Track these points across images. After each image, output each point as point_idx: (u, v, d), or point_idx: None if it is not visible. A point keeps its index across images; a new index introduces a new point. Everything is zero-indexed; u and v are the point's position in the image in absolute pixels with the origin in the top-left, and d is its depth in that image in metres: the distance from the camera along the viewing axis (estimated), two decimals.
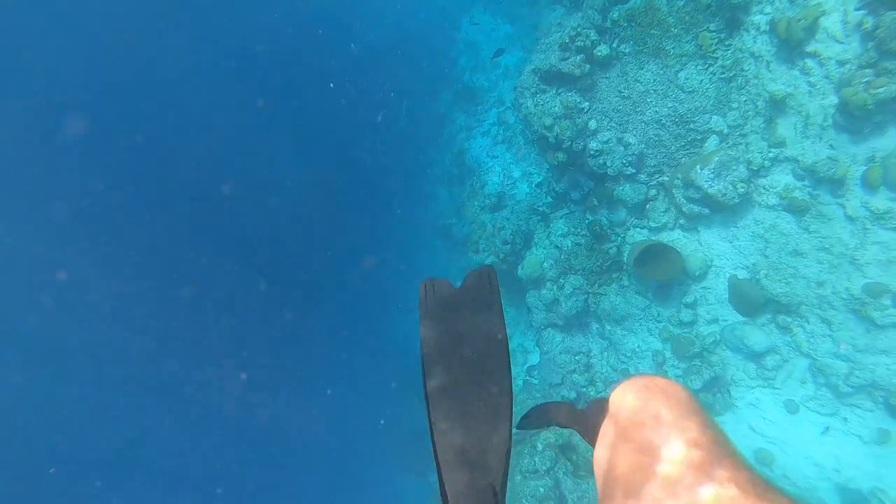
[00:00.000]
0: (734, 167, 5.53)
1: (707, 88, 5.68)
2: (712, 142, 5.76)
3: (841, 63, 4.85)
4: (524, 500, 5.89)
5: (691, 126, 5.78)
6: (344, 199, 11.72)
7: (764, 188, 5.56)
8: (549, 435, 6.35)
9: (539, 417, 1.22)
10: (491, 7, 10.28)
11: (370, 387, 10.15)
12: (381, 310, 11.45)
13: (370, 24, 11.66)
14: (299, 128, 11.57)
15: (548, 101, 6.36)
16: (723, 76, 5.64)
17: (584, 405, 1.16)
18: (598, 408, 1.08)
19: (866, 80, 4.53)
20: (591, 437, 1.01)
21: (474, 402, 0.95)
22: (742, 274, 5.79)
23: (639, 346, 6.32)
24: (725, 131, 5.71)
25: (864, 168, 4.88)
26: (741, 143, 5.61)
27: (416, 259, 10.87)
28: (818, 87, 5.16)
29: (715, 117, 5.72)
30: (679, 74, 5.75)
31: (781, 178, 5.49)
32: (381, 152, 11.15)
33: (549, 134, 6.32)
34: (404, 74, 10.97)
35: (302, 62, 11.39)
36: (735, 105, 5.63)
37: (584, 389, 6.55)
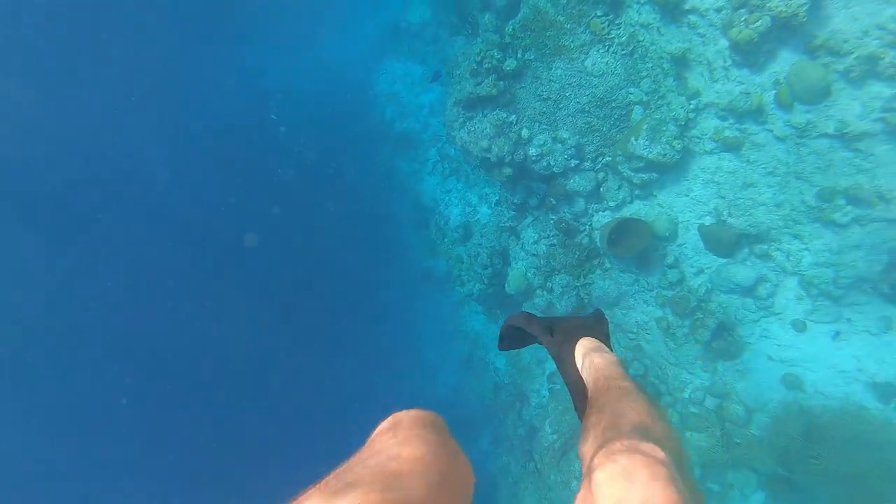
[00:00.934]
0: (664, 128, 5.85)
1: (614, 67, 6.05)
2: (637, 112, 6.10)
3: (718, 10, 5.27)
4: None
5: (613, 105, 6.12)
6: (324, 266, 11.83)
7: (697, 137, 5.89)
8: None
9: (515, 339, 1.54)
10: (398, 55, 10.75)
11: None
12: (388, 367, 11.46)
13: (291, 104, 12.01)
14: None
15: (477, 126, 6.67)
16: (624, 52, 6.03)
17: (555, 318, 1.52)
18: (566, 340, 1.39)
19: (743, 18, 4.92)
20: (560, 363, 1.35)
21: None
22: (708, 220, 6.05)
23: (641, 319, 6.48)
24: (645, 99, 6.05)
25: (773, 92, 5.24)
26: (663, 105, 5.96)
27: (412, 307, 10.96)
28: (707, 35, 5.57)
29: (632, 89, 6.08)
30: (585, 63, 6.12)
31: (709, 124, 5.83)
32: (344, 222, 11.36)
33: (489, 155, 6.60)
34: (338, 144, 11.30)
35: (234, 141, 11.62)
36: (644, 73, 6.00)
37: None
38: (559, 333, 1.41)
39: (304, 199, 11.52)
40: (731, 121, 5.70)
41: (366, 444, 0.82)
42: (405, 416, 0.89)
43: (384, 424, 0.88)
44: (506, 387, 8.31)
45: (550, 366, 7.66)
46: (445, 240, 8.47)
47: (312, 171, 11.32)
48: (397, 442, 0.78)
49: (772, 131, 5.40)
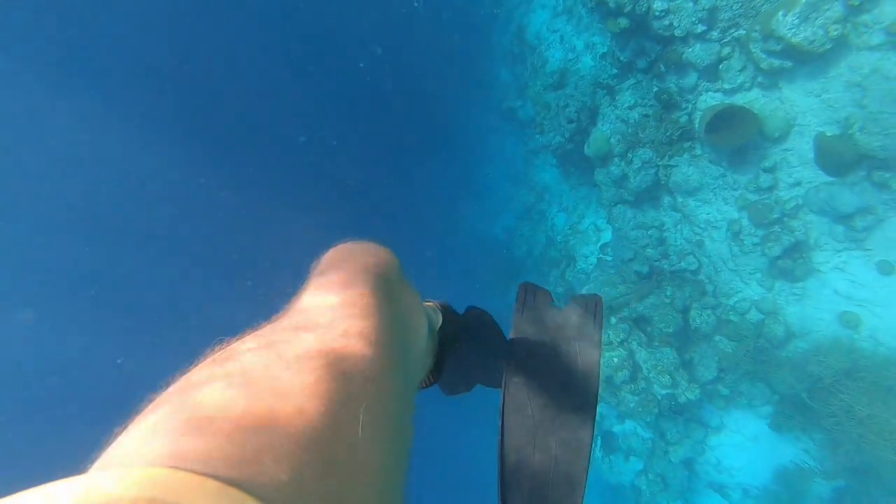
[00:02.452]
0: (827, 6, 4.83)
1: None
2: None
3: None
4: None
5: None
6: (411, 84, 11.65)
7: (865, 26, 4.84)
8: (623, 309, 6.59)
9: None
10: None
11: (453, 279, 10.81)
12: (455, 199, 11.78)
13: None
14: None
15: None
16: None
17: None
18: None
19: None
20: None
21: (550, 426, 0.89)
22: (831, 130, 5.27)
23: (713, 216, 6.14)
24: None
25: None
26: None
27: (487, 141, 10.83)
28: None
29: None
30: None
31: (893, 10, 4.73)
32: (440, 40, 10.77)
33: None
34: None
35: None
36: None
37: (658, 263, 6.58)
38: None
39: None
40: None
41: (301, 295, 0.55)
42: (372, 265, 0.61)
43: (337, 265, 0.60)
44: (558, 244, 8.44)
45: (606, 236, 7.63)
46: (538, 83, 7.93)
47: None
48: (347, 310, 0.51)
49: None
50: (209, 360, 0.42)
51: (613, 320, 6.39)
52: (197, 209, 10.90)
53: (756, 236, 5.81)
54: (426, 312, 0.88)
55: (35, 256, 9.83)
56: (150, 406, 0.37)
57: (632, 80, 6.52)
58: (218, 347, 0.43)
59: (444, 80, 11.24)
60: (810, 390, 5.57)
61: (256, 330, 0.47)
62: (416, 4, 9.77)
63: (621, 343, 6.43)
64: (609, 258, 7.34)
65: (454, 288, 11.43)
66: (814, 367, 5.56)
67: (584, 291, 6.87)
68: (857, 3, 4.75)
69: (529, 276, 9.21)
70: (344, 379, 0.40)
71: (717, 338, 6.15)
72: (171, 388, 0.38)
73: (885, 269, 5.43)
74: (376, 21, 10.95)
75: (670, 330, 6.19)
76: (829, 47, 4.90)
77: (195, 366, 0.41)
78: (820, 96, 5.24)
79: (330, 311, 0.50)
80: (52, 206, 9.66)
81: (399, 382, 0.50)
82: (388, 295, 0.57)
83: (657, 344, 6.35)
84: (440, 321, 1.03)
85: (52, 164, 9.45)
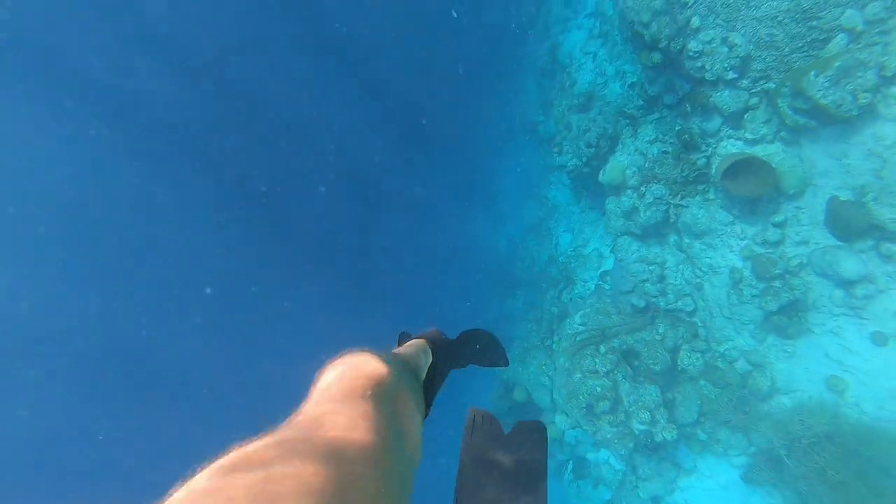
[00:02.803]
0: (860, 73, 4.83)
1: None
2: (838, 42, 5.00)
3: None
4: (580, 397, 6.35)
5: (814, 24, 5.02)
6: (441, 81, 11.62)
7: (895, 98, 4.85)
8: (612, 339, 6.61)
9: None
10: None
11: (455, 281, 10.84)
12: (467, 200, 11.80)
13: None
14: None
15: None
16: None
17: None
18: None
19: None
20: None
21: None
22: (846, 195, 5.29)
23: (717, 262, 6.15)
24: (860, 28, 4.90)
25: None
26: (877, 45, 4.83)
27: (504, 150, 10.86)
28: None
29: (849, 11, 4.90)
30: None
31: None
32: (475, 43, 10.76)
33: (645, 32, 5.80)
34: None
35: None
36: None
37: (655, 299, 6.60)
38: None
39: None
40: None
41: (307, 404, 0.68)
42: (358, 379, 0.73)
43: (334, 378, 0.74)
44: (559, 264, 8.47)
45: (607, 264, 7.65)
46: (563, 102, 7.95)
47: None
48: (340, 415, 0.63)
49: None
50: (234, 462, 0.49)
51: (602, 349, 6.42)
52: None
53: (756, 288, 5.82)
54: (416, 361, 0.95)
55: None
56: None
57: (656, 115, 6.53)
58: (236, 448, 0.52)
59: (471, 85, 11.23)
60: (788, 448, 5.59)
61: (268, 436, 0.55)
62: (454, 14, 9.76)
63: (607, 373, 6.46)
64: (607, 287, 7.37)
65: (452, 291, 11.47)
66: (795, 425, 5.58)
67: (577, 316, 6.89)
68: (890, 75, 4.76)
69: (528, 290, 9.25)
70: (348, 464, 0.52)
71: (703, 382, 6.18)
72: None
73: (879, 339, 5.44)
74: (412, 25, 10.93)
75: (657, 367, 6.22)
76: (855, 113, 4.90)
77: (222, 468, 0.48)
78: (840, 160, 5.25)
79: (335, 416, 0.62)
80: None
81: (397, 462, 0.62)
82: (380, 401, 0.70)
83: (642, 379, 6.38)
84: (429, 361, 1.09)
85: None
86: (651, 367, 6.25)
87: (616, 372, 6.44)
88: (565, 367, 6.49)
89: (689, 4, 5.61)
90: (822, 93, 4.89)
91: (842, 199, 5.29)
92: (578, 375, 6.37)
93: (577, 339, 6.71)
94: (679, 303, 6.42)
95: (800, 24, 5.08)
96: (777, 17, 5.14)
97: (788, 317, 5.70)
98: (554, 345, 7.06)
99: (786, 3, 5.07)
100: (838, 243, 5.42)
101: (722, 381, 6.08)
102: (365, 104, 11.61)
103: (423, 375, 1.04)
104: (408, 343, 1.14)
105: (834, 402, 5.58)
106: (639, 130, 6.67)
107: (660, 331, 6.38)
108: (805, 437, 5.47)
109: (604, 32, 8.00)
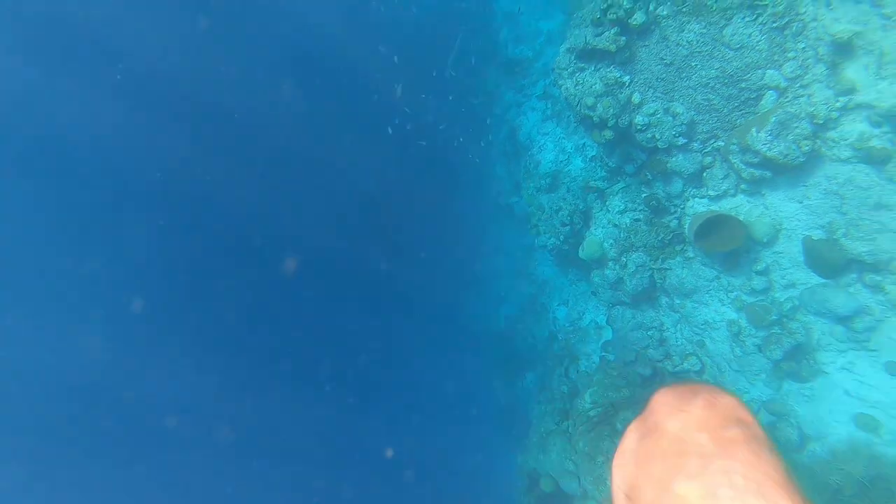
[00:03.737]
0: (796, 124, 5.10)
1: (758, 41, 5.22)
2: (769, 98, 5.32)
3: None
4: (609, 481, 6.10)
5: (743, 85, 5.37)
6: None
7: (833, 141, 5.09)
8: (627, 411, 6.45)
9: None
10: None
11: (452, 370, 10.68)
12: (456, 287, 11.84)
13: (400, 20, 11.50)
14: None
15: (587, 80, 6.16)
16: (775, 25, 5.15)
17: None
18: None
19: None
20: None
21: None
22: (817, 234, 5.40)
23: (711, 317, 6.15)
24: (783, 85, 5.24)
25: None
26: (802, 97, 5.14)
27: (489, 231, 11.03)
28: (895, 19, 4.60)
29: (769, 72, 5.26)
30: (724, 31, 5.32)
31: (854, 128, 4.99)
32: (443, 142, 11.24)
33: (592, 113, 6.15)
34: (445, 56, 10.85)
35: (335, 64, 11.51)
36: (792, 55, 5.14)
37: (661, 364, 6.52)
38: None
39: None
40: (886, 129, 4.84)
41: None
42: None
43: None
44: (560, 340, 8.41)
45: (607, 334, 7.60)
46: (531, 185, 8.24)
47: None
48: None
49: None
50: None
51: (619, 427, 6.24)
52: None
53: (757, 337, 5.79)
54: None
55: None
56: None
57: (621, 184, 6.77)
58: None
59: (449, 171, 11.58)
60: (831, 501, 5.32)
61: None
62: (451, 73, 10.06)
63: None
64: (612, 357, 7.29)
65: (456, 374, 11.26)
66: (834, 475, 5.35)
67: (587, 395, 6.76)
68: (821, 122, 5.02)
69: (534, 369, 9.12)
70: None
71: None
72: None
73: (894, 370, 5.36)
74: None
75: None
76: (803, 160, 5.12)
77: None
78: (802, 202, 5.42)
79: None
80: None
81: None
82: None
83: None
84: None
85: None
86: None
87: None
88: (586, 451, 6.29)
89: (627, 84, 5.99)
90: (766, 146, 5.14)
91: (814, 238, 5.40)
92: (601, 459, 6.15)
93: (592, 419, 6.54)
94: (685, 364, 6.34)
95: (730, 87, 5.43)
96: (708, 83, 5.50)
97: (797, 361, 5.63)
98: (570, 428, 6.87)
99: (713, 71, 5.45)
100: (824, 281, 5.47)
101: None
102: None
103: None
104: None
105: (867, 442, 5.39)
106: (607, 202, 6.89)
107: None
108: (846, 486, 5.23)
109: (556, 112, 8.46)
